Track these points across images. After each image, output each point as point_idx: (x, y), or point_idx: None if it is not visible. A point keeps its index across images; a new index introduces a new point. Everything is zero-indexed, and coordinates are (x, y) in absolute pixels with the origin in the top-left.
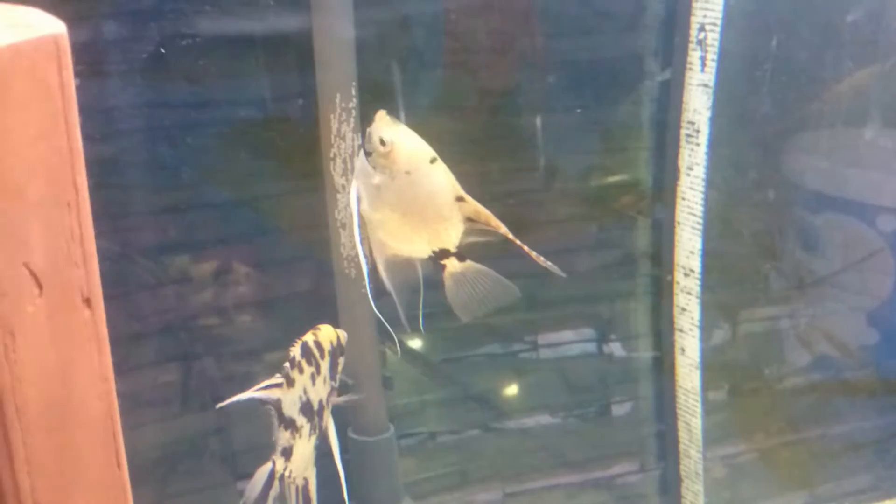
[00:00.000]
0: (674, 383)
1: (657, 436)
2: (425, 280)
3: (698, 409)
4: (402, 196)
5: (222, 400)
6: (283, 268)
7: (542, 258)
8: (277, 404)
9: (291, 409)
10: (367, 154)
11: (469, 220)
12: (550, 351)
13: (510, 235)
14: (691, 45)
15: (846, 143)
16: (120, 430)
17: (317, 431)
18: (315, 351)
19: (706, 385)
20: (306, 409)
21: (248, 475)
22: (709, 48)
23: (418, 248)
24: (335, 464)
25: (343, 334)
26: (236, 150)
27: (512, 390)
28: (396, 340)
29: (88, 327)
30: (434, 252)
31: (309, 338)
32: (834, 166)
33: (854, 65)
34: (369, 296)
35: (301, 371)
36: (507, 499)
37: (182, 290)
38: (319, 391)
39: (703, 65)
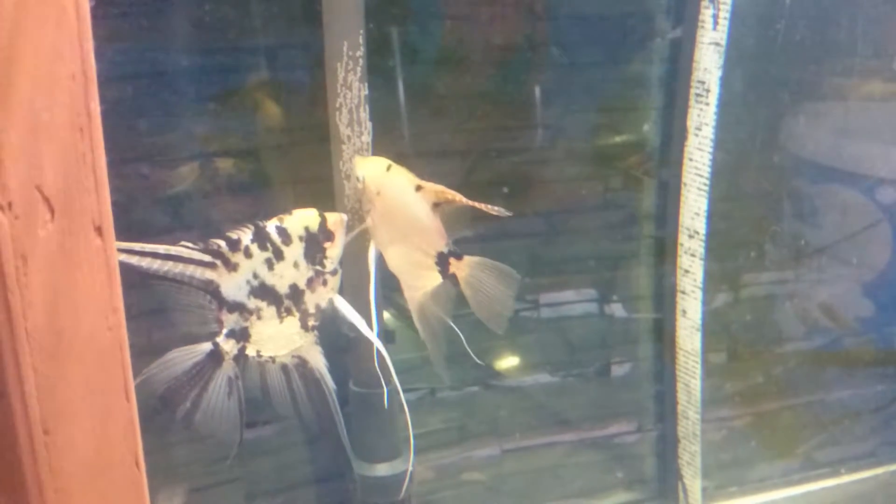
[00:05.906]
0: (674, 345)
1: (656, 397)
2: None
3: (698, 370)
4: (389, 213)
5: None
6: None
7: (491, 207)
8: (211, 287)
9: (236, 293)
10: (364, 207)
11: (436, 204)
12: (552, 310)
13: (466, 200)
14: (704, 3)
15: (858, 112)
16: (129, 362)
17: (295, 314)
18: (275, 236)
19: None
20: (261, 292)
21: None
22: (721, 6)
23: (424, 266)
24: (369, 340)
25: (337, 217)
26: (240, 98)
27: (512, 349)
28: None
29: (99, 256)
30: (437, 262)
31: (272, 222)
32: (842, 135)
33: (872, 28)
34: (379, 344)
35: (249, 255)
36: (504, 455)
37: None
38: (287, 276)
39: (716, 22)
